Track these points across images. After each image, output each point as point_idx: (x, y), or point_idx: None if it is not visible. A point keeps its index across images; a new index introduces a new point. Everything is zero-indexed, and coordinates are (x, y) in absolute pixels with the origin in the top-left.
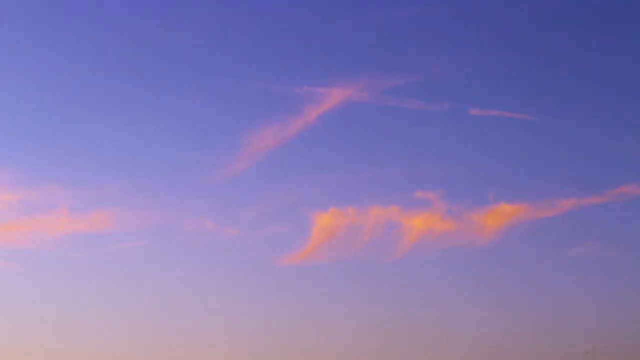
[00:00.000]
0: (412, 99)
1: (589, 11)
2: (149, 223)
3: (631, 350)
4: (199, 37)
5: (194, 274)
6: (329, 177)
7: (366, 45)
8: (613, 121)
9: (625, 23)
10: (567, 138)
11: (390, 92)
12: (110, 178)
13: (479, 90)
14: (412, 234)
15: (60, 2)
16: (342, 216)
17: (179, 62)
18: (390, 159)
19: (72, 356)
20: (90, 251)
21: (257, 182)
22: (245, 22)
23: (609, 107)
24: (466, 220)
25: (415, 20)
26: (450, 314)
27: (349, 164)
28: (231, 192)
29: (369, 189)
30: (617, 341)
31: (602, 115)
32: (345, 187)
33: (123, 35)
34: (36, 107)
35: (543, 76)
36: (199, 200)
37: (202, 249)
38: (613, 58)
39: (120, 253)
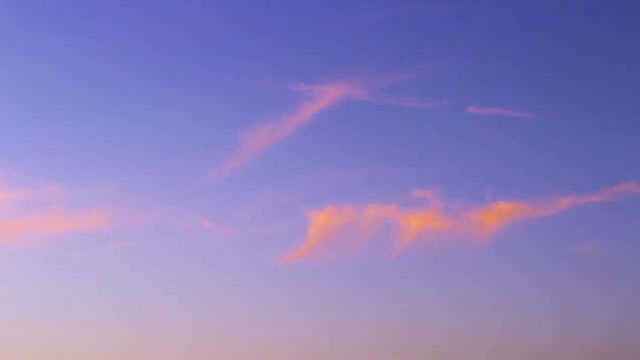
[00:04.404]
0: (409, 96)
1: (589, 9)
2: (146, 222)
3: (631, 350)
4: (194, 36)
5: (191, 273)
6: (325, 176)
7: (363, 43)
8: (612, 119)
9: (625, 21)
10: (565, 136)
11: (388, 90)
12: (107, 177)
13: (477, 88)
14: (409, 233)
15: None
16: (340, 215)
17: (174, 61)
18: (387, 157)
19: (69, 355)
20: (87, 250)
21: (253, 180)
22: (240, 20)
23: (608, 106)
24: (464, 219)
25: (413, 17)
26: (448, 312)
27: (345, 163)
28: (228, 191)
29: (366, 188)
30: (617, 340)
31: (601, 113)
32: (342, 186)
33: (119, 34)
34: (33, 106)
35: (542, 74)
36: (196, 199)
37: (199, 248)
38: (613, 56)
39: (116, 252)
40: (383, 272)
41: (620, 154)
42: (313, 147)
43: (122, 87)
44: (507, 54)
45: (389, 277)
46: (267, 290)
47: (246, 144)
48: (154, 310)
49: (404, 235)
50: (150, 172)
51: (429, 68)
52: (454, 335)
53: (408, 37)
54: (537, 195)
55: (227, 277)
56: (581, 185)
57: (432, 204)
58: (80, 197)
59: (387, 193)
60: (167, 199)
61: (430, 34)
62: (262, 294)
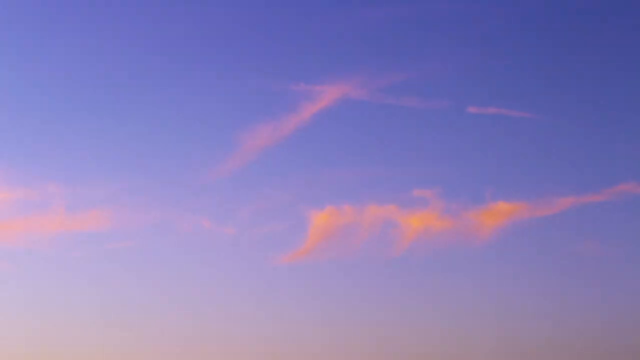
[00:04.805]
0: (409, 96)
1: (589, 9)
2: (146, 222)
3: (631, 350)
4: (194, 36)
5: (191, 273)
6: (325, 176)
7: (363, 43)
8: (612, 119)
9: (626, 21)
10: (565, 136)
11: (387, 90)
12: (107, 177)
13: (477, 88)
14: (409, 233)
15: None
16: (339, 215)
17: (173, 61)
18: (387, 157)
19: (69, 355)
20: (87, 250)
21: (253, 180)
22: (240, 20)
23: (607, 105)
24: (464, 218)
25: (413, 17)
26: (447, 312)
27: (345, 163)
28: (228, 191)
29: (366, 188)
30: (616, 340)
31: (600, 113)
32: (342, 186)
33: (119, 33)
34: (32, 106)
35: (542, 74)
36: (196, 199)
37: (199, 248)
38: (613, 56)
39: (116, 252)
40: (383, 272)
41: (620, 154)
42: (313, 147)
43: (121, 87)
44: (507, 54)
45: (389, 277)
46: (267, 290)
47: (246, 144)
48: (154, 310)
49: (403, 235)
50: (150, 172)
51: (429, 68)
52: (453, 335)
53: (408, 37)
54: (537, 195)
55: (226, 277)
56: (581, 185)
57: (432, 204)
58: (80, 197)
59: (387, 193)
60: (167, 199)
61: (430, 34)
62: (262, 294)
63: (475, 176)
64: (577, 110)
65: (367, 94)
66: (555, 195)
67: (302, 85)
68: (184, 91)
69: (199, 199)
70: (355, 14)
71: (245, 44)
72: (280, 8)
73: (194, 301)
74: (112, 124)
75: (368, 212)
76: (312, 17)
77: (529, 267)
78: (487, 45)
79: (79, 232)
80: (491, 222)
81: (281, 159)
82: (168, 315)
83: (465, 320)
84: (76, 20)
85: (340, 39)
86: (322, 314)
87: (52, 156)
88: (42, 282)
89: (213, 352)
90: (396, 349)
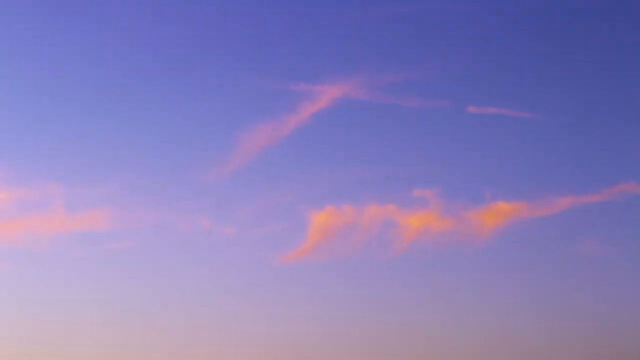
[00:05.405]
0: (409, 96)
1: (589, 9)
2: (146, 222)
3: (631, 350)
4: (193, 36)
5: (191, 273)
6: (325, 176)
7: (363, 42)
8: (612, 119)
9: (625, 20)
10: (565, 136)
11: (387, 90)
12: (106, 177)
13: (477, 88)
14: (409, 233)
15: None
16: (339, 215)
17: (173, 61)
18: (387, 157)
19: (68, 356)
20: (87, 250)
21: (252, 180)
22: (239, 19)
23: (607, 105)
24: (463, 218)
25: (413, 17)
26: (447, 312)
27: (345, 163)
28: (227, 191)
29: (366, 188)
30: (616, 340)
31: (600, 113)
32: (342, 186)
33: (118, 33)
34: (32, 106)
35: (542, 74)
36: (196, 199)
37: (198, 248)
38: (612, 56)
39: (116, 252)
40: (383, 272)
41: (620, 154)
42: (313, 147)
43: (121, 87)
44: (507, 54)
45: (389, 277)
46: (267, 290)
47: (246, 144)
48: (154, 310)
49: (403, 235)
50: (150, 172)
51: (429, 68)
52: (453, 335)
53: (408, 36)
54: (537, 195)
55: (226, 277)
56: (581, 185)
57: (432, 204)
58: (80, 197)
59: (387, 193)
60: (166, 199)
61: (430, 34)
62: (262, 294)
63: (475, 176)
64: (577, 110)
65: (367, 94)
66: (555, 195)
67: (302, 85)
68: (183, 91)
69: (199, 199)
70: (356, 14)
71: (245, 44)
72: (280, 8)
73: (194, 301)
74: (112, 124)
75: (368, 212)
76: (312, 16)
77: (529, 267)
78: (487, 45)
79: (79, 232)
80: (491, 222)
81: (281, 159)
82: (168, 315)
83: (465, 320)
84: (76, 20)
85: (340, 38)
86: (322, 314)
87: (52, 156)
88: (42, 282)
89: (212, 352)
90: (396, 348)
